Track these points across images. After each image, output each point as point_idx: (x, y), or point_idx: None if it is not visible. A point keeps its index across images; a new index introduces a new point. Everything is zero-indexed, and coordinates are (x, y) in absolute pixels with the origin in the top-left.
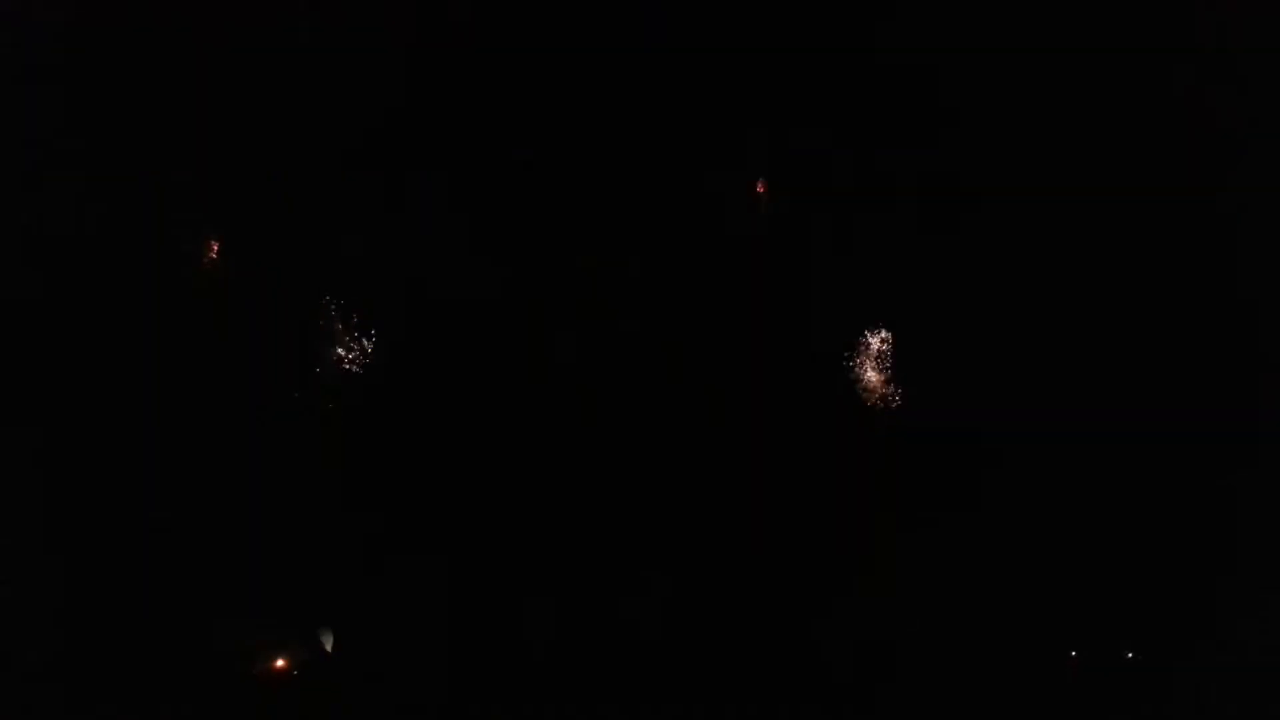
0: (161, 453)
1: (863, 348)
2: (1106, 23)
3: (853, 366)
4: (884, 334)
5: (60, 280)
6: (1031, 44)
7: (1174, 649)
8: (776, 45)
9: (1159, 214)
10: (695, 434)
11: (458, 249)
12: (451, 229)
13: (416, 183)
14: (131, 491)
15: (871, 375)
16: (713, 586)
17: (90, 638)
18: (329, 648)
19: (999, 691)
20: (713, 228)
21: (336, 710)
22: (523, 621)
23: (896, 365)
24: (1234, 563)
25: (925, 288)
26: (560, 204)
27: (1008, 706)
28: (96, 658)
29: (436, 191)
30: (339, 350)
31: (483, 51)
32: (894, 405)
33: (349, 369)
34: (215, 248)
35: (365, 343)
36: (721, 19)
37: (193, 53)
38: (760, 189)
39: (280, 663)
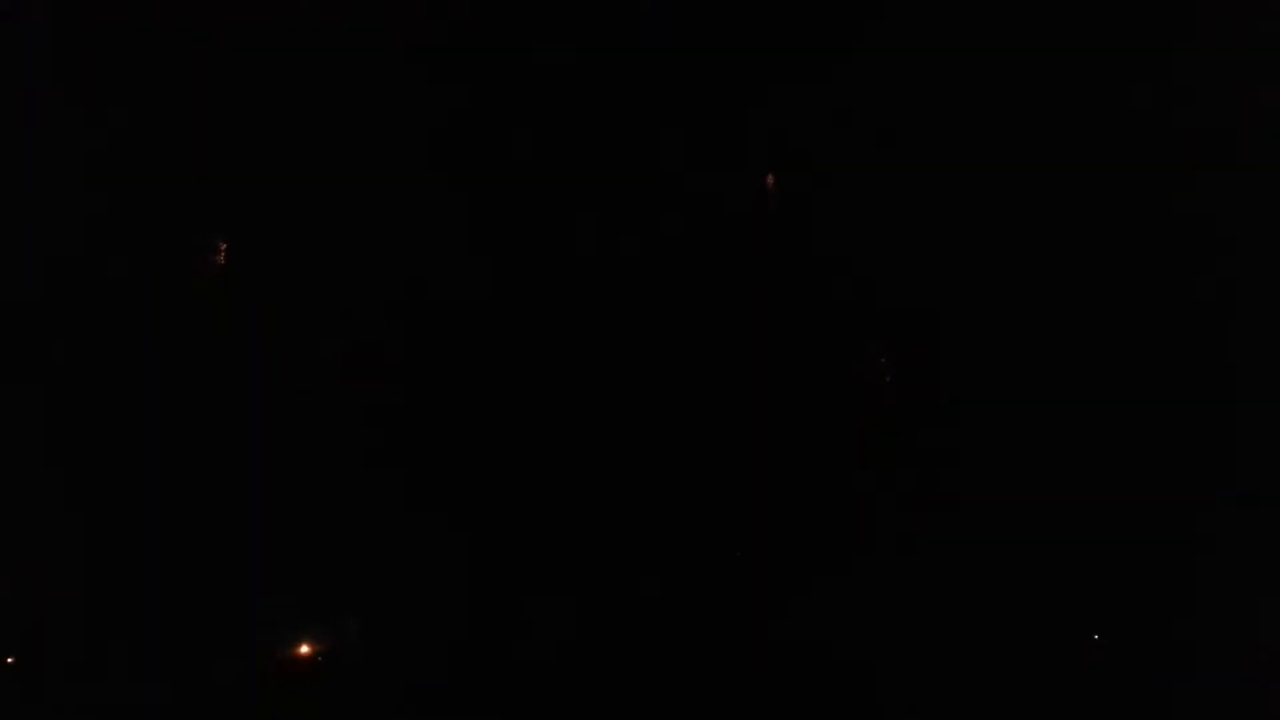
0: (176, 447)
1: (865, 342)
2: (1108, 20)
3: (856, 359)
4: (887, 327)
5: (62, 280)
6: (1035, 42)
7: (1196, 634)
8: (776, 45)
9: (1170, 209)
10: (697, 433)
11: (459, 248)
12: (452, 228)
13: (416, 181)
14: (146, 483)
15: (877, 366)
16: (725, 582)
17: (109, 626)
18: (354, 635)
19: (1019, 677)
20: (713, 225)
21: (360, 697)
22: (535, 618)
23: (903, 358)
24: (1257, 547)
25: (927, 285)
26: (561, 203)
27: (1029, 691)
28: (115, 646)
29: (436, 190)
30: (349, 347)
31: (483, 51)
32: (900, 399)
33: (359, 367)
34: (217, 248)
35: (374, 339)
36: (721, 18)
37: (191, 51)
38: (769, 182)
39: (305, 649)
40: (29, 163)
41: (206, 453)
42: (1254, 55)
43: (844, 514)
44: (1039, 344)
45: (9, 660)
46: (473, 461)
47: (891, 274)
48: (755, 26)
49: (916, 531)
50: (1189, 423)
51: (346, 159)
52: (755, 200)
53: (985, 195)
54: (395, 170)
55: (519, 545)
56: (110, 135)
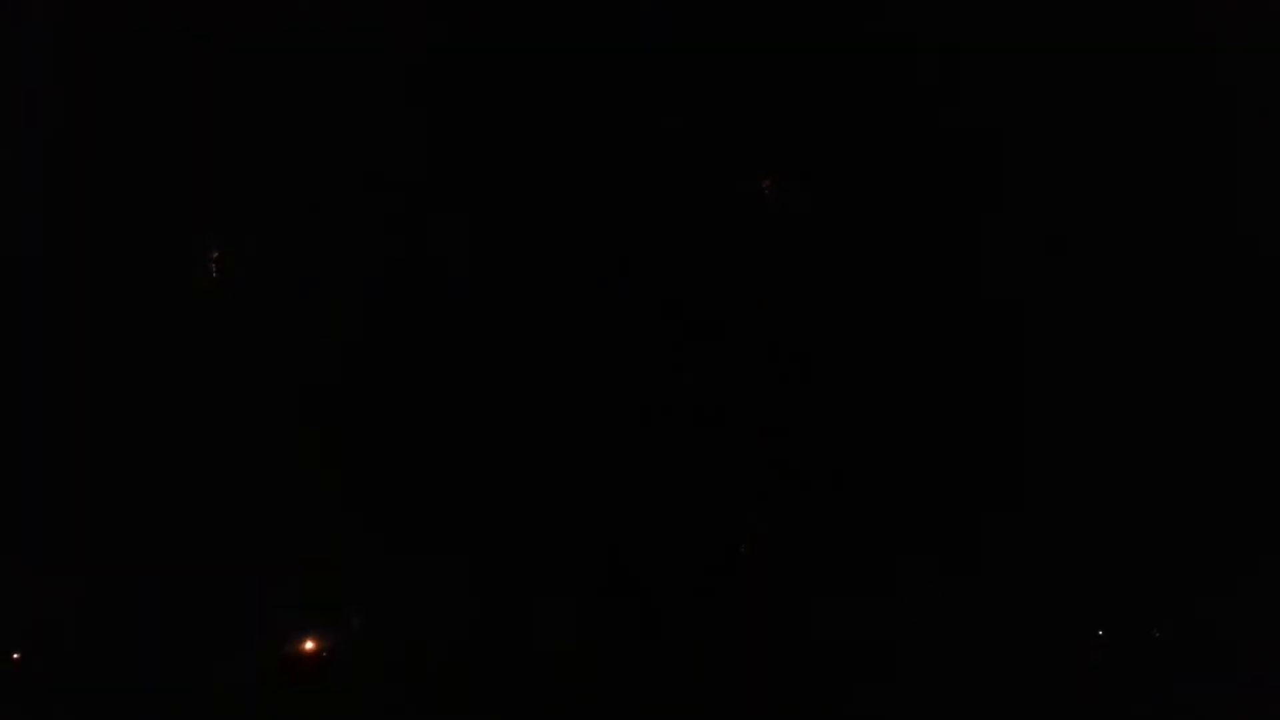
0: (176, 447)
1: (865, 341)
2: (1108, 20)
3: (855, 359)
4: (887, 326)
5: (61, 280)
6: (1035, 42)
7: (1196, 634)
8: (776, 45)
9: (1170, 209)
10: (697, 432)
11: (459, 248)
12: (452, 228)
13: (415, 181)
14: (146, 483)
15: (877, 366)
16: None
17: (109, 626)
18: (357, 631)
19: (1022, 673)
20: (713, 226)
21: (365, 692)
22: (537, 618)
23: (902, 357)
24: (1257, 547)
25: (926, 285)
26: (561, 203)
27: (1032, 687)
28: (115, 646)
29: (436, 190)
30: (352, 344)
31: (482, 51)
32: (900, 398)
33: (362, 364)
34: (217, 248)
35: (374, 338)
36: (721, 18)
37: (191, 51)
38: (767, 184)
39: (309, 645)
40: (29, 162)
41: (206, 451)
42: (1254, 55)
43: (844, 513)
44: (1039, 343)
45: (14, 656)
46: (474, 460)
47: (891, 274)
48: (755, 26)
49: (917, 531)
50: (1189, 423)
51: (346, 159)
52: (755, 200)
53: (985, 195)
54: (395, 170)
55: (520, 544)
56: (109, 134)
